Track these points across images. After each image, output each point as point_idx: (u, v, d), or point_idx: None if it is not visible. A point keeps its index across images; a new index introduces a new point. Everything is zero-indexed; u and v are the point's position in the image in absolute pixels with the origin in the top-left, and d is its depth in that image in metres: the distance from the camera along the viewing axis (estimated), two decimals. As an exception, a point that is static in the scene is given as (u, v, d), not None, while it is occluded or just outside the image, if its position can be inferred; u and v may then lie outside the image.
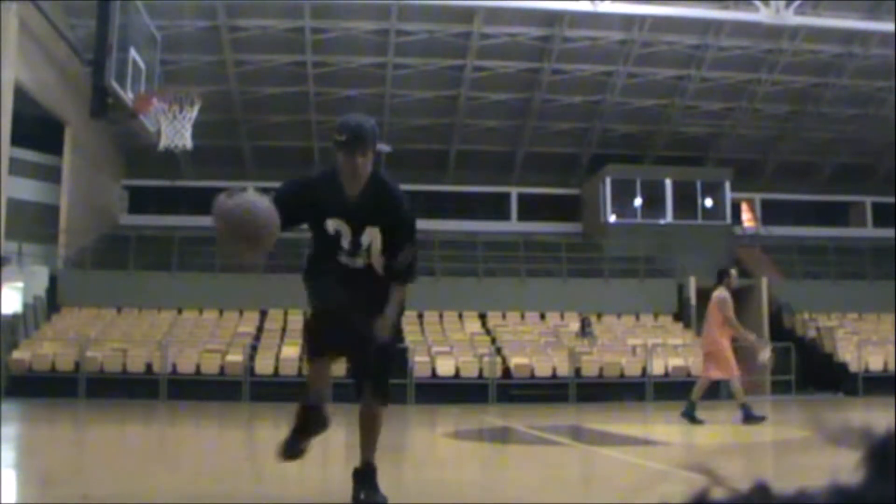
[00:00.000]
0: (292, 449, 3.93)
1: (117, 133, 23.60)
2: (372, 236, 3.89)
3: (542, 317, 22.35)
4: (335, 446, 8.55)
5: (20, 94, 15.86)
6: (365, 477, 3.94)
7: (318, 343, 3.87)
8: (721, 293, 10.55)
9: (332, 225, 3.90)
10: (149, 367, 18.15)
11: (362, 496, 3.88)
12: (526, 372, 18.91)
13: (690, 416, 10.15)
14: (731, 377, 10.37)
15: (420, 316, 21.48)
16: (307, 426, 3.94)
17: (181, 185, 26.36)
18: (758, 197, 28.50)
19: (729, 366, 10.36)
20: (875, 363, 20.22)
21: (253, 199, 3.50)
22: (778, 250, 26.09)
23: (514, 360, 19.08)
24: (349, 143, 3.76)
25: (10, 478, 5.21)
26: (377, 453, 4.00)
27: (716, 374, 10.49)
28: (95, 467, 5.89)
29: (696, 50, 23.60)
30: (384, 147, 3.98)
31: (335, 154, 3.83)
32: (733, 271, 11.10)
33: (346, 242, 3.89)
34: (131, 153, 24.86)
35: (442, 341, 20.10)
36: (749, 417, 9.96)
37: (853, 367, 20.25)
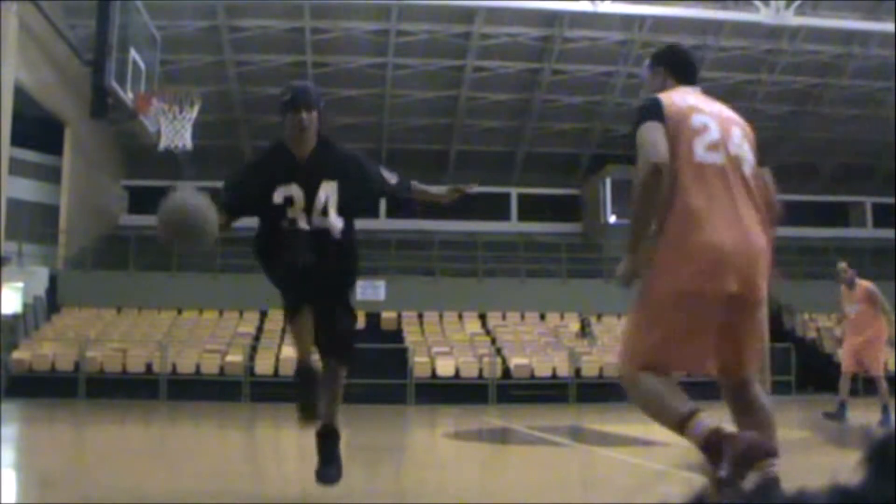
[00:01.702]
0: (305, 410, 4.06)
1: (117, 133, 23.61)
2: (328, 192, 3.95)
3: (542, 317, 22.35)
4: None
5: (20, 94, 15.85)
6: (325, 441, 4.00)
7: (290, 295, 4.04)
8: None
9: (281, 192, 3.93)
10: (149, 367, 18.14)
11: (316, 466, 3.95)
12: (526, 372, 18.90)
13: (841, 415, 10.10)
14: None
15: (420, 316, 21.48)
16: (303, 385, 4.08)
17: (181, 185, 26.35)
18: (758, 197, 28.48)
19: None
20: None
21: (186, 197, 3.73)
22: (778, 250, 25.99)
23: (514, 361, 19.07)
24: (294, 101, 3.91)
25: (10, 478, 5.21)
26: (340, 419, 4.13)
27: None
28: (95, 467, 5.89)
29: (696, 50, 23.57)
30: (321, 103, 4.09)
31: (282, 120, 3.96)
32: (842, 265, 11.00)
33: (298, 208, 3.93)
34: (131, 153, 24.86)
35: (442, 341, 20.11)
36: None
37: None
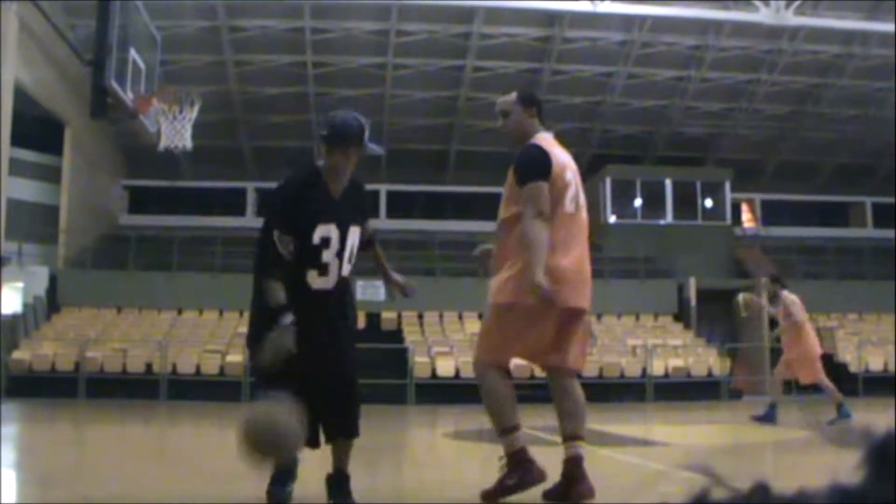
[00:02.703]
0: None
1: (117, 133, 23.60)
2: (355, 237, 3.75)
3: (542, 317, 22.33)
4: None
5: (20, 94, 15.86)
6: (336, 483, 3.80)
7: (272, 384, 3.57)
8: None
9: (321, 232, 3.64)
10: (149, 367, 18.14)
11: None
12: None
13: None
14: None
15: (420, 316, 21.48)
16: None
17: (181, 185, 26.36)
18: (758, 197, 28.49)
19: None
20: (875, 363, 20.23)
21: (278, 415, 3.31)
22: (778, 250, 26.08)
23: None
24: (357, 139, 3.65)
25: (10, 478, 5.21)
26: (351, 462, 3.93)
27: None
28: (95, 468, 5.89)
29: (696, 50, 23.60)
30: (376, 148, 3.80)
31: (326, 150, 3.67)
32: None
33: (332, 251, 3.66)
34: (131, 153, 24.85)
35: (442, 341, 20.11)
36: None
37: (853, 367, 20.26)
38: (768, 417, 9.93)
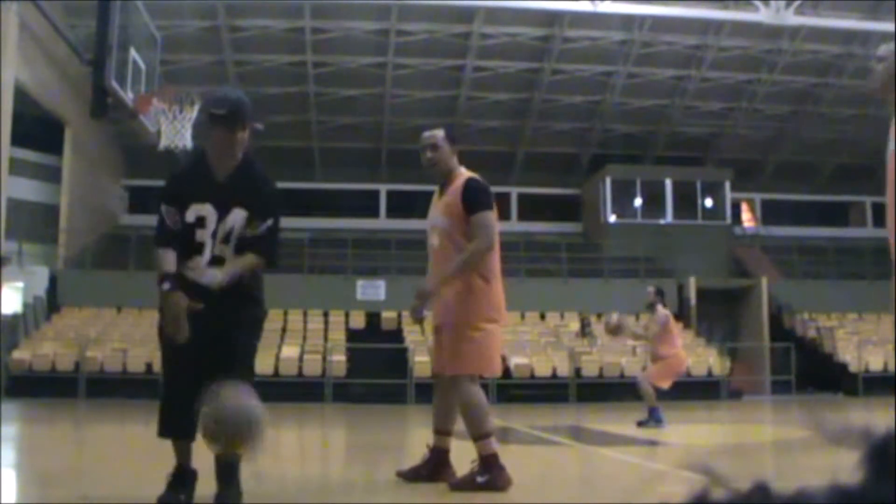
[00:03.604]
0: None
1: (117, 133, 23.61)
2: (236, 220, 3.60)
3: (542, 317, 22.34)
4: (335, 447, 8.57)
5: (20, 94, 15.86)
6: (224, 471, 3.60)
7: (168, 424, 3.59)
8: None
9: (194, 211, 3.60)
10: (149, 367, 18.13)
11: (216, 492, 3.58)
12: (526, 372, 18.90)
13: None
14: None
15: (420, 316, 21.46)
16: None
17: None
18: (758, 197, 28.50)
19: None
20: (875, 363, 20.22)
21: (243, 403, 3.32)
22: (778, 250, 26.09)
23: (514, 360, 19.06)
24: (230, 118, 3.57)
25: (10, 478, 5.21)
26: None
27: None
28: (95, 468, 5.89)
29: (696, 50, 23.59)
30: (258, 125, 3.78)
31: (209, 131, 3.61)
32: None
33: (208, 231, 3.60)
34: (131, 153, 24.85)
35: (442, 341, 20.09)
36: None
37: (853, 367, 20.25)
38: (655, 420, 9.72)
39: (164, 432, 3.73)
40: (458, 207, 4.48)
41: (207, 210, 3.60)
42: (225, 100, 3.63)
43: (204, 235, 3.61)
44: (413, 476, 4.56)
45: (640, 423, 9.56)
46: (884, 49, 4.13)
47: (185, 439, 3.64)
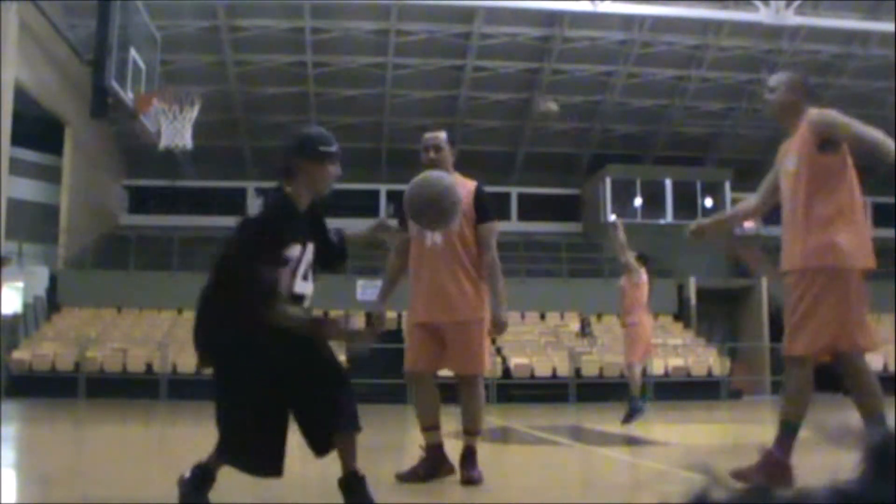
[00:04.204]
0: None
1: (117, 133, 23.61)
2: (311, 254, 3.58)
3: (542, 317, 22.34)
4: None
5: (20, 94, 15.86)
6: (350, 485, 3.58)
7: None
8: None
9: (290, 252, 3.47)
10: (149, 367, 18.15)
11: None
12: (526, 372, 18.90)
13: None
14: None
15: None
16: None
17: (181, 185, 26.36)
18: (758, 197, 28.48)
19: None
20: (875, 363, 20.24)
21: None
22: (778, 250, 26.05)
23: (514, 360, 19.07)
24: (338, 154, 3.56)
25: (10, 478, 5.21)
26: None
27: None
28: (95, 468, 5.89)
29: (696, 50, 23.60)
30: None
31: (304, 166, 3.48)
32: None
33: (300, 271, 3.51)
34: (131, 153, 24.85)
35: (442, 341, 20.10)
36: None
37: (853, 367, 20.25)
38: (635, 411, 9.67)
39: (259, 469, 3.49)
40: (471, 211, 4.65)
41: (300, 250, 3.51)
42: (330, 137, 3.59)
43: (295, 277, 3.52)
44: (411, 477, 4.57)
45: (625, 420, 9.54)
46: (774, 79, 4.41)
47: (277, 476, 3.49)
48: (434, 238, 4.64)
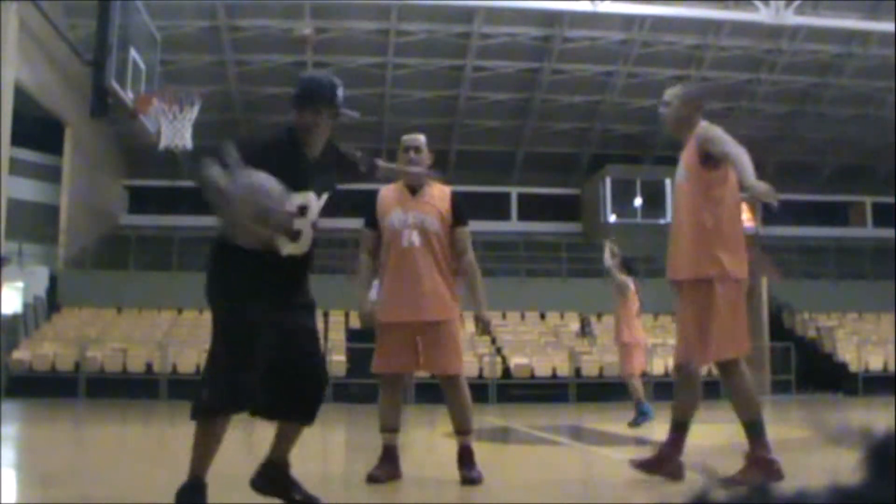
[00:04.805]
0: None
1: (117, 133, 23.61)
2: (321, 203, 3.56)
3: (542, 317, 22.34)
4: (334, 446, 8.56)
5: (20, 94, 15.84)
6: (275, 475, 3.54)
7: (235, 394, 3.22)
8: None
9: (298, 199, 3.38)
10: (149, 367, 18.15)
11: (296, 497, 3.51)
12: (526, 372, 18.90)
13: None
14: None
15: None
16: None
17: (181, 185, 26.35)
18: (758, 197, 28.48)
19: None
20: (875, 363, 20.22)
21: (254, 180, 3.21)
22: (778, 250, 26.08)
23: (514, 360, 19.07)
24: (328, 98, 3.50)
25: (10, 477, 5.21)
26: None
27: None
28: (95, 468, 5.89)
29: (696, 50, 23.60)
30: (353, 113, 3.67)
31: (297, 112, 3.50)
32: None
33: (308, 219, 3.45)
34: (131, 153, 24.86)
35: (442, 341, 20.09)
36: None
37: (853, 367, 20.26)
38: (644, 413, 9.64)
39: (219, 403, 3.27)
40: (448, 214, 4.77)
41: (309, 198, 3.50)
42: (332, 80, 3.59)
43: (303, 224, 3.46)
44: (372, 480, 4.51)
45: (632, 424, 9.52)
46: (669, 93, 4.55)
47: (238, 411, 3.30)
48: (411, 239, 4.67)
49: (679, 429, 4.53)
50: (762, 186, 4.05)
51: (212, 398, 3.23)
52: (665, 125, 4.78)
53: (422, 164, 4.83)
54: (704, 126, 4.58)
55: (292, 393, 3.40)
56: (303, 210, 3.42)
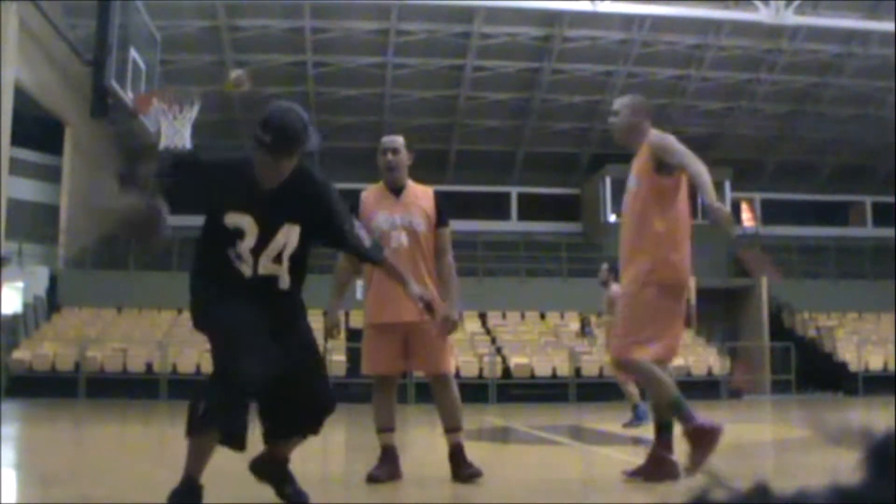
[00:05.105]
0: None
1: (117, 133, 23.60)
2: (288, 237, 3.36)
3: (542, 317, 22.34)
4: (334, 446, 8.55)
5: (20, 94, 15.85)
6: (277, 469, 3.59)
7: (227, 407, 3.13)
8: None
9: (231, 220, 3.31)
10: (149, 367, 18.15)
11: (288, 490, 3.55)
12: (526, 372, 18.90)
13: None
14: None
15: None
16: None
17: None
18: (758, 197, 28.49)
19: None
20: (875, 363, 20.23)
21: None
22: (778, 250, 26.08)
23: (514, 360, 19.07)
24: (276, 146, 3.25)
25: (10, 478, 5.21)
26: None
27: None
28: (95, 468, 5.89)
29: (696, 50, 23.59)
30: (315, 144, 3.39)
31: (265, 154, 3.29)
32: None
33: (246, 245, 3.33)
34: (131, 153, 24.83)
35: (442, 341, 20.10)
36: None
37: (853, 366, 20.26)
38: (639, 417, 9.57)
39: (214, 422, 3.17)
40: (431, 215, 4.75)
41: (245, 222, 3.35)
42: (272, 123, 3.30)
43: (242, 248, 3.35)
44: (372, 480, 4.50)
45: (627, 425, 9.47)
46: (617, 103, 4.64)
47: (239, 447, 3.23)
48: (400, 240, 4.68)
49: (664, 429, 4.55)
50: (724, 214, 4.20)
51: (207, 416, 3.14)
52: (615, 134, 4.86)
53: (400, 166, 4.83)
54: (657, 135, 4.67)
55: (295, 418, 3.49)
56: (239, 233, 3.32)
